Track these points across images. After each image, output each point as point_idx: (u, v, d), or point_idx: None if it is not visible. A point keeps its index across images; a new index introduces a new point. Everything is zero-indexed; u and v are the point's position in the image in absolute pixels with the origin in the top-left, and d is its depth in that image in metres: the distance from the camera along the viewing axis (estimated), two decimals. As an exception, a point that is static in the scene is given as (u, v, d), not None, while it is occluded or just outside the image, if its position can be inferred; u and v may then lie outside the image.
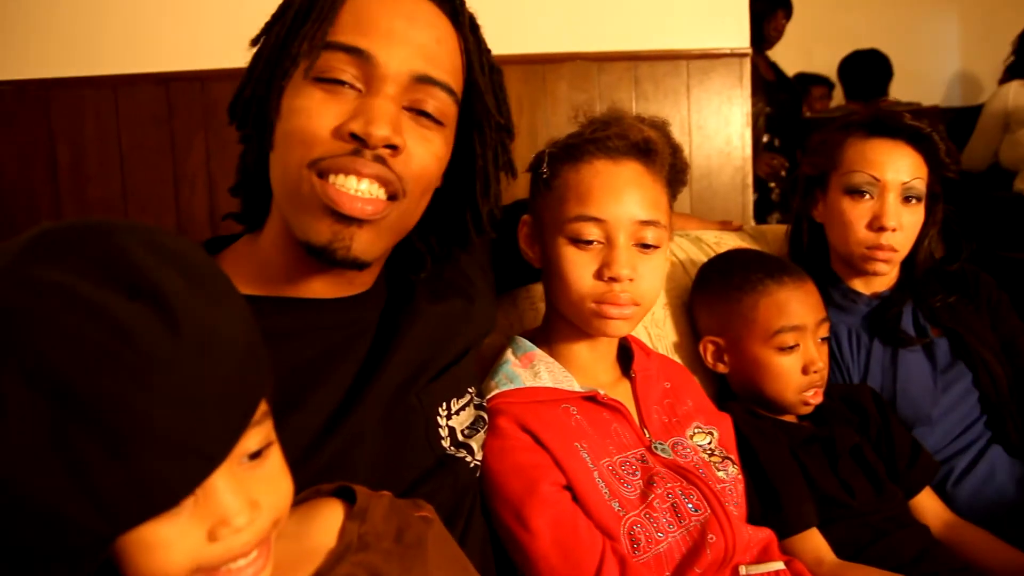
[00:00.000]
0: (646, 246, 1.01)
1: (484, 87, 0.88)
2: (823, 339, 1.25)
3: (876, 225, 1.31)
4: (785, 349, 1.22)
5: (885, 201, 1.31)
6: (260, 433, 0.56)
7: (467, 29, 0.87)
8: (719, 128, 2.71)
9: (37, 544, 0.47)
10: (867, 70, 3.60)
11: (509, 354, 1.09)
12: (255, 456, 0.55)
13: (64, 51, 2.61)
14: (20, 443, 0.45)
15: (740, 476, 1.10)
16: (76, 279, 0.47)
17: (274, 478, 0.58)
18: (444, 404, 0.94)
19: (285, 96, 0.81)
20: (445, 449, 0.92)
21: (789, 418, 1.26)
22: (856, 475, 1.19)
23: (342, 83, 0.79)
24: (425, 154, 0.83)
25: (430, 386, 0.93)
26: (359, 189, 0.79)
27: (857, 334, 1.39)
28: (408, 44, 0.80)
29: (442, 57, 0.83)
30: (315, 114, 0.79)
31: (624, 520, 0.96)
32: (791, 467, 1.14)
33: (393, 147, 0.79)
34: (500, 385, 1.04)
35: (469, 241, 0.97)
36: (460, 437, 0.94)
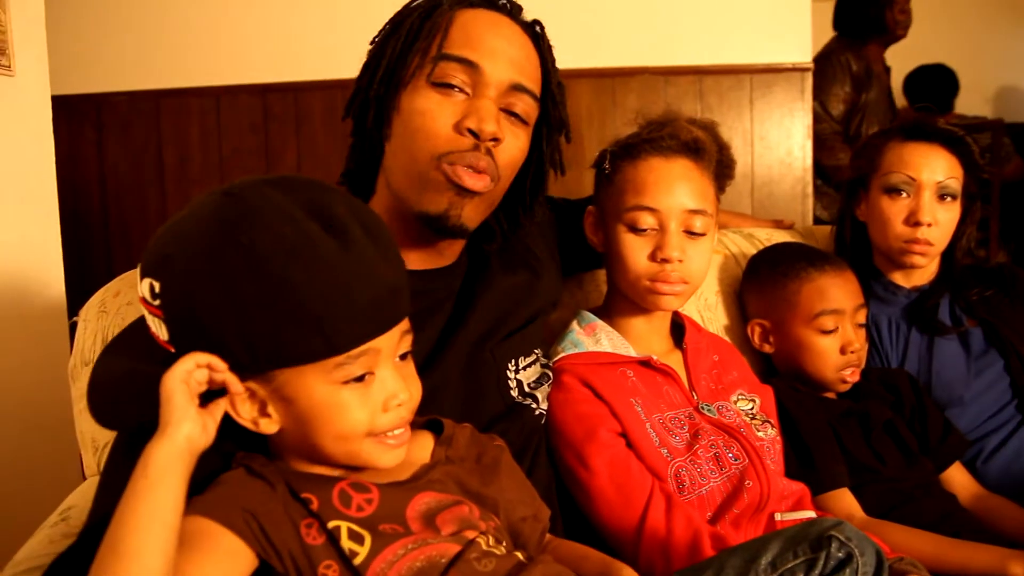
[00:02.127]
0: (693, 233, 1.16)
1: (556, 97, 1.09)
2: (860, 324, 1.37)
3: (912, 220, 1.43)
4: (825, 331, 1.34)
5: (921, 199, 1.43)
6: (407, 341, 0.79)
7: (546, 51, 1.07)
8: (780, 140, 2.81)
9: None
10: (933, 85, 3.65)
11: (575, 324, 1.25)
12: (403, 357, 0.79)
13: (172, 64, 2.84)
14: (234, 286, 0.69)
15: (778, 438, 1.23)
16: (293, 206, 0.72)
17: (414, 377, 0.81)
18: (513, 360, 1.12)
19: (403, 98, 1.00)
20: (514, 398, 1.09)
21: (829, 395, 1.39)
22: (888, 447, 1.31)
23: (453, 87, 0.99)
24: (513, 147, 1.03)
25: (501, 344, 1.11)
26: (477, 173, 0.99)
27: (896, 324, 1.50)
28: (506, 59, 1.00)
29: (529, 71, 1.04)
30: (435, 114, 0.98)
31: (671, 464, 1.10)
32: (827, 433, 1.27)
33: (496, 140, 0.99)
34: (566, 350, 1.20)
35: (518, 223, 1.15)
36: (527, 388, 1.11)
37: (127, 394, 0.77)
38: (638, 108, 2.71)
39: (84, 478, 1.23)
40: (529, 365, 1.13)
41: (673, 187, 1.16)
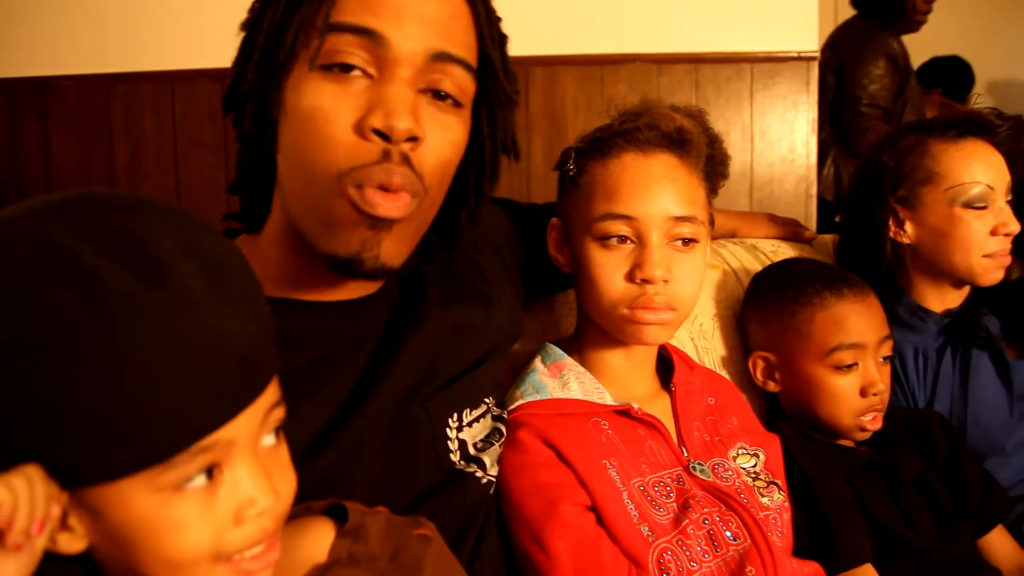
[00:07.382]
0: (684, 242, 0.93)
1: (496, 61, 0.81)
2: (885, 358, 1.15)
3: (1002, 231, 1.25)
4: (842, 368, 1.12)
5: (1000, 205, 1.26)
6: (276, 417, 0.56)
7: (478, 3, 0.80)
8: (783, 135, 2.60)
9: None
10: (948, 78, 3.41)
11: (538, 362, 1.02)
12: (276, 433, 0.57)
13: (124, 46, 2.62)
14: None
15: (787, 504, 1.00)
16: (81, 245, 0.47)
17: (286, 467, 0.59)
18: (455, 415, 0.88)
19: (288, 91, 0.74)
20: (454, 464, 0.85)
21: (846, 442, 1.16)
22: (919, 507, 1.09)
23: (350, 69, 0.73)
24: (443, 143, 0.77)
25: (438, 395, 0.87)
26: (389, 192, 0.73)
27: (925, 355, 1.28)
28: (421, 20, 0.73)
29: (457, 32, 0.77)
30: (331, 114, 0.72)
31: (654, 547, 0.87)
32: (845, 496, 1.04)
33: (415, 139, 0.73)
34: (525, 395, 0.97)
35: (457, 230, 0.90)
36: (471, 451, 0.88)
37: None
38: (629, 100, 2.54)
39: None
40: (477, 419, 0.89)
41: (653, 189, 0.93)
